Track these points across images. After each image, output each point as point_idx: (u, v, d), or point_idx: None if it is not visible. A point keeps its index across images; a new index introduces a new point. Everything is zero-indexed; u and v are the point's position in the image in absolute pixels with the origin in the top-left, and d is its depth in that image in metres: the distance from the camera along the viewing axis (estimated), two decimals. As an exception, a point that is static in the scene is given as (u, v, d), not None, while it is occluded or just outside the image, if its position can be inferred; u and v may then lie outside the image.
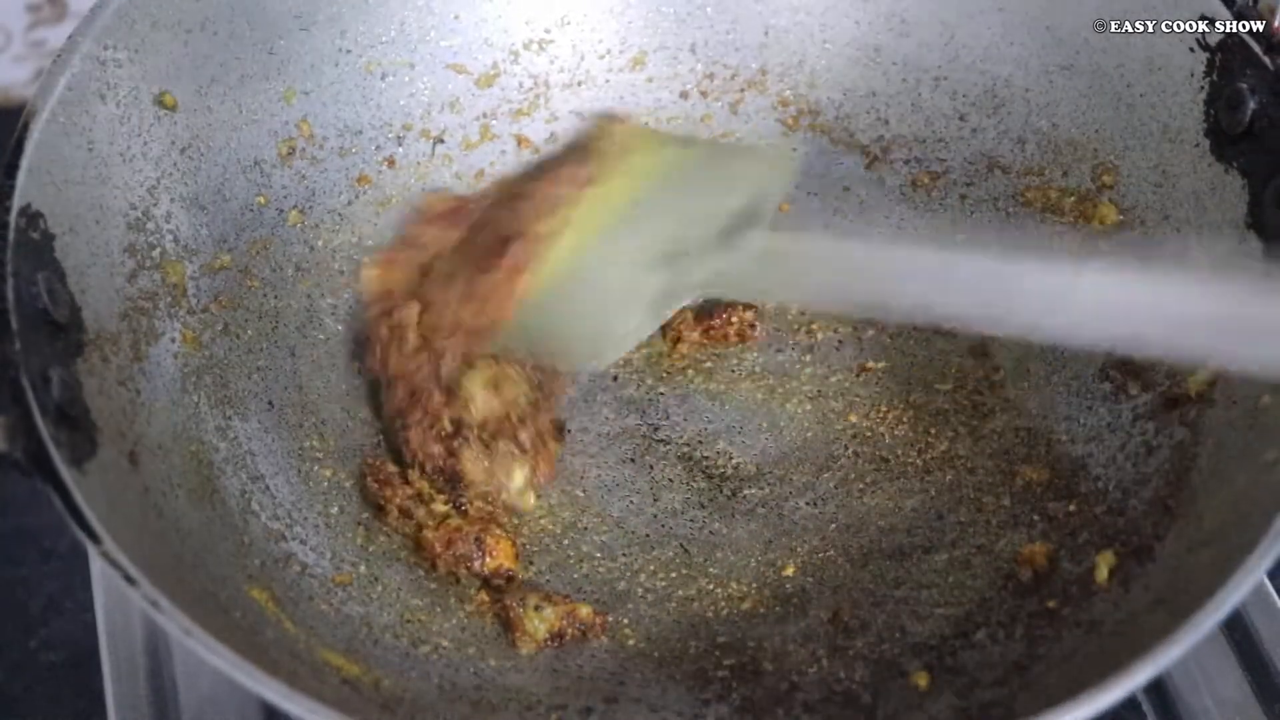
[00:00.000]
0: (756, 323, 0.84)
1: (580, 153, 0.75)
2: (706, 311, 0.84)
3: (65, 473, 0.58)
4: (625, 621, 0.73)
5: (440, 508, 0.74)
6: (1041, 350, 0.81)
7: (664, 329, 0.84)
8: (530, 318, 0.72)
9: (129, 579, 0.55)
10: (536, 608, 0.71)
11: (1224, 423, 0.69)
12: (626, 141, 0.75)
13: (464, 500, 0.75)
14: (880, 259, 0.71)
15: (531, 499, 0.77)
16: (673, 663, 0.71)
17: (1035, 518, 0.74)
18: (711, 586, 0.75)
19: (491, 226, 0.74)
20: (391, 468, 0.76)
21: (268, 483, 0.74)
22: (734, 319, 0.84)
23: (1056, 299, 0.63)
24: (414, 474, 0.76)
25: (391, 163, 0.87)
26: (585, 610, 0.72)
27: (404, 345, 0.75)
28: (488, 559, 0.73)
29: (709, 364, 0.84)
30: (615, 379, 0.83)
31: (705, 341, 0.84)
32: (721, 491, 0.79)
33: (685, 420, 0.82)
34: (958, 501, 0.77)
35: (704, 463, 0.80)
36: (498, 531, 0.74)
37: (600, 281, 0.73)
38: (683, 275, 0.73)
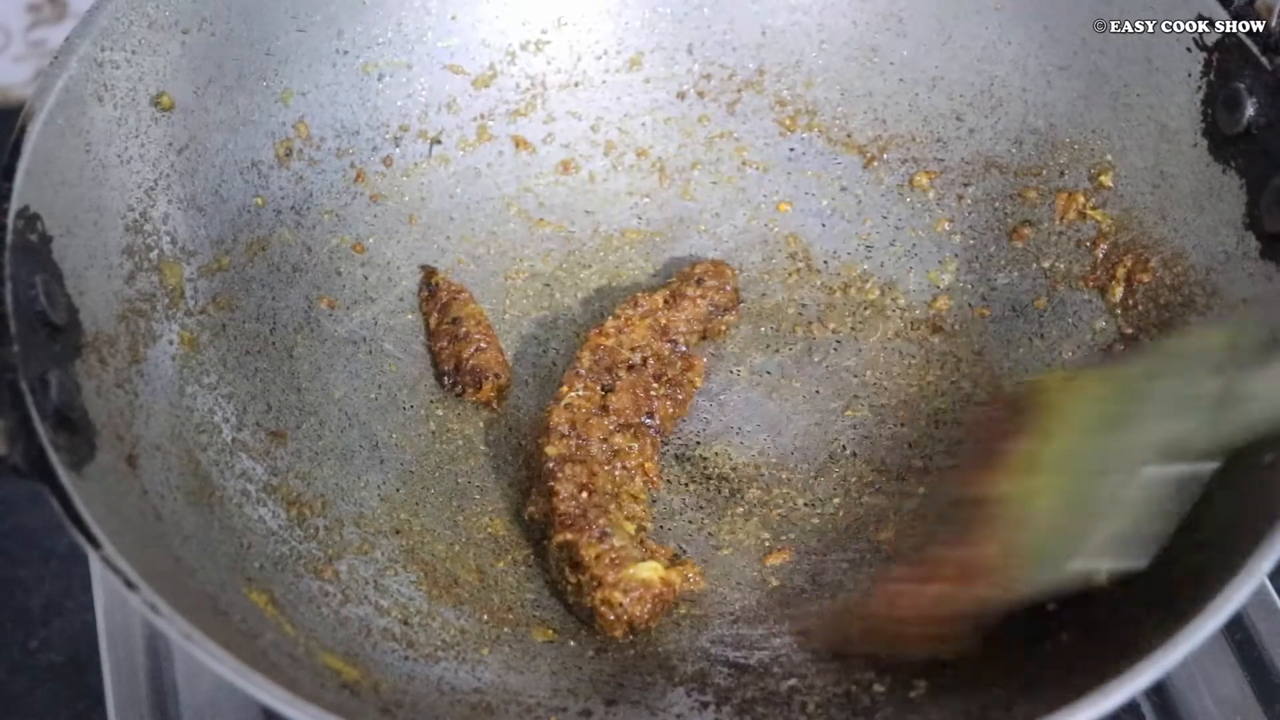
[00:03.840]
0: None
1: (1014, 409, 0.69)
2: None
3: (64, 476, 0.57)
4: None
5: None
6: (1040, 352, 0.81)
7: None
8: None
9: (128, 583, 0.55)
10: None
11: (1223, 424, 0.69)
12: (1063, 388, 0.70)
13: None
14: None
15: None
16: (673, 665, 0.71)
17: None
18: (710, 587, 0.75)
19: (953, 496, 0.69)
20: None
21: (266, 485, 0.74)
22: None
23: None
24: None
25: (389, 163, 0.87)
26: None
27: None
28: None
29: (708, 364, 0.84)
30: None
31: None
32: (720, 492, 0.79)
33: (684, 420, 0.82)
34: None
35: (703, 463, 0.80)
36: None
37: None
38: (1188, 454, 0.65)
